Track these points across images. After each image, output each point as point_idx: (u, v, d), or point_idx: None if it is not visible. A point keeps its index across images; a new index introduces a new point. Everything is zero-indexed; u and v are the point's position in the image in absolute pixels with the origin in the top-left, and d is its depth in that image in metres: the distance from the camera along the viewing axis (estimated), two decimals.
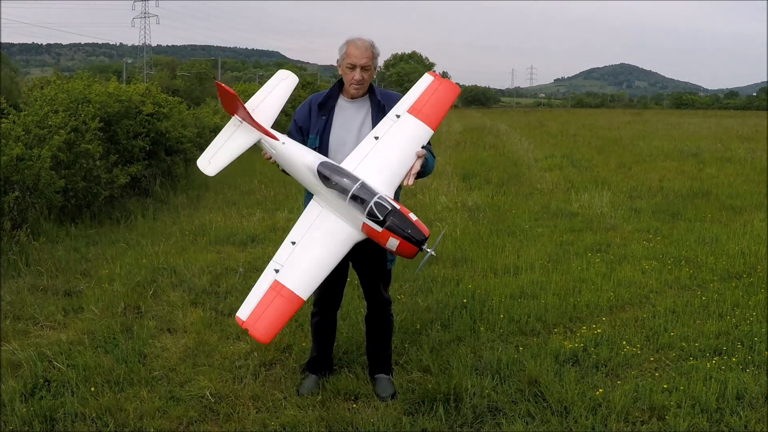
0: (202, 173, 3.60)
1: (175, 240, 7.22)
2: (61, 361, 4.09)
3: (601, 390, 3.80)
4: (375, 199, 3.25)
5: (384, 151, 3.47)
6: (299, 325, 4.75)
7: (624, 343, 4.50)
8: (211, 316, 4.98)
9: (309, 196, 3.62)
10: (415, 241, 3.23)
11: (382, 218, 3.23)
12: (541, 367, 4.06)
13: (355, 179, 3.32)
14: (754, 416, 3.60)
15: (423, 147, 3.51)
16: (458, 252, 6.78)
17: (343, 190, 3.31)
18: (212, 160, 3.60)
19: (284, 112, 3.79)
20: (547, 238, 7.58)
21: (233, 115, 3.61)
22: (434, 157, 3.65)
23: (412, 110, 3.57)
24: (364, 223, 3.30)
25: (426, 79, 3.69)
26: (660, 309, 5.21)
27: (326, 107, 3.62)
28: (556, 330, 4.78)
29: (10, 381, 3.87)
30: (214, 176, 3.61)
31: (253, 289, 3.35)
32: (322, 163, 3.40)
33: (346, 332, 4.55)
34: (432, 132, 3.55)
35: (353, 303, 5.09)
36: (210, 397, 3.73)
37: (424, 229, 3.26)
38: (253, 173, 12.13)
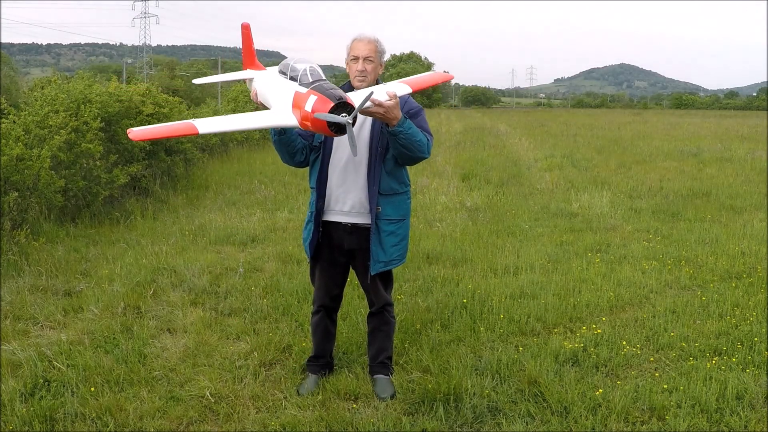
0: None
1: (175, 240, 7.22)
2: (61, 361, 4.09)
3: (601, 390, 3.80)
4: (310, 66, 3.28)
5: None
6: (299, 325, 4.76)
7: (624, 343, 4.50)
8: (211, 316, 4.98)
9: (314, 199, 3.68)
10: (331, 95, 3.07)
11: (311, 80, 3.23)
12: (541, 367, 4.06)
13: (306, 66, 3.32)
14: (754, 416, 3.60)
15: (420, 129, 3.51)
16: (458, 252, 6.78)
17: (292, 77, 3.33)
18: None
19: None
20: (547, 238, 7.58)
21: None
22: (428, 140, 3.58)
23: (400, 81, 3.76)
24: (295, 93, 3.25)
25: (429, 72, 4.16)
26: (660, 309, 5.21)
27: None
28: (556, 330, 4.78)
29: (10, 381, 3.87)
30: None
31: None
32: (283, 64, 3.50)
33: (346, 332, 4.55)
34: (410, 90, 3.69)
35: (353, 303, 5.09)
36: (210, 397, 3.73)
37: (351, 100, 3.11)
38: (253, 173, 12.15)
